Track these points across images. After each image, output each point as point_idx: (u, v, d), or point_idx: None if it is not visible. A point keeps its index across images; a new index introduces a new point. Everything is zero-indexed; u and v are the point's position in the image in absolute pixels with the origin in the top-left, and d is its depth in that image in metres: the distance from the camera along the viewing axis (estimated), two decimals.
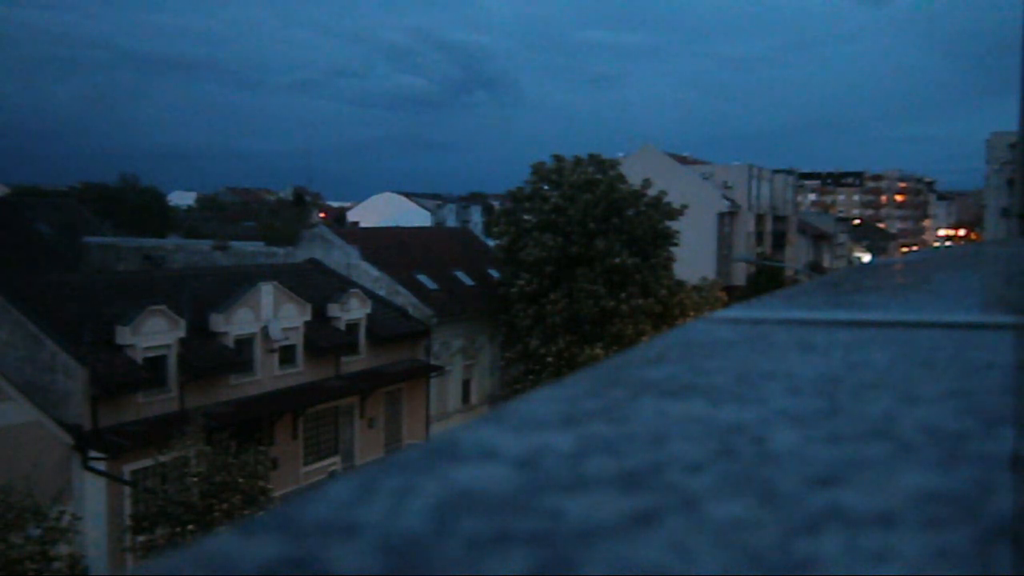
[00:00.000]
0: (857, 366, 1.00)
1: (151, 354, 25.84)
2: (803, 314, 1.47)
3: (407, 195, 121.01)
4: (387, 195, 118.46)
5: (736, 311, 1.48)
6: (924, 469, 0.63)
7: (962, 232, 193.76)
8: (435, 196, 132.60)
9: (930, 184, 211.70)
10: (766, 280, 70.47)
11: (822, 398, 0.85)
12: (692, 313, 50.32)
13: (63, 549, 18.25)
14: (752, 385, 0.90)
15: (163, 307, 26.35)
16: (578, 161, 42.26)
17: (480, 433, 0.72)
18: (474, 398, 41.43)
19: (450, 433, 0.75)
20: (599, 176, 41.05)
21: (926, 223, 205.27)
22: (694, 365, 1.02)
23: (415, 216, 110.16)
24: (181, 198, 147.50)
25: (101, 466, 23.34)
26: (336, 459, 33.76)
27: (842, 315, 1.47)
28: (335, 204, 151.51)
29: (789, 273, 79.81)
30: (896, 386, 0.90)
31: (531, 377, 39.85)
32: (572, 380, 0.94)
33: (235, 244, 43.60)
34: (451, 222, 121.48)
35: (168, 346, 26.36)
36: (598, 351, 38.94)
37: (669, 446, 0.69)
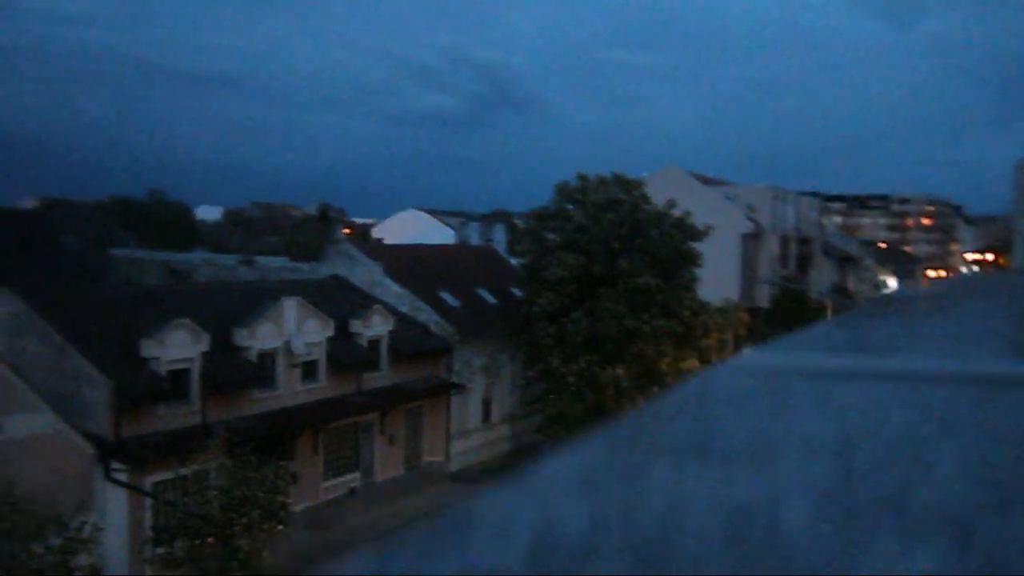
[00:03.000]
0: (874, 428, 1.00)
1: (175, 367, 26.02)
2: (822, 362, 1.47)
3: (431, 212, 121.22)
4: (411, 212, 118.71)
5: (755, 357, 1.48)
6: (936, 553, 0.61)
7: (990, 256, 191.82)
8: (459, 213, 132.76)
9: (958, 208, 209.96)
10: (790, 302, 70.02)
11: (837, 466, 0.85)
12: (715, 335, 50.12)
13: (83, 560, 18.36)
14: (767, 448, 0.91)
15: (188, 321, 26.54)
16: (602, 181, 42.26)
17: (496, 502, 0.71)
18: (495, 416, 41.39)
19: (465, 506, 0.75)
20: (623, 196, 41.03)
21: (953, 247, 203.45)
22: (711, 424, 1.02)
23: (439, 233, 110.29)
24: (208, 212, 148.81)
25: (123, 477, 23.49)
26: (356, 475, 33.80)
27: (863, 364, 1.47)
28: (360, 220, 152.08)
29: (814, 296, 79.29)
30: (913, 453, 0.90)
31: (552, 396, 39.78)
32: (591, 439, 0.95)
33: (260, 259, 43.95)
34: (474, 239, 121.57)
35: (192, 359, 26.53)
36: (619, 371, 38.85)
37: (682, 521, 0.68)
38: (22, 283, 29.02)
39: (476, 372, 39.69)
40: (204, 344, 26.88)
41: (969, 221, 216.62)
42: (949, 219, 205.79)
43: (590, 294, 39.58)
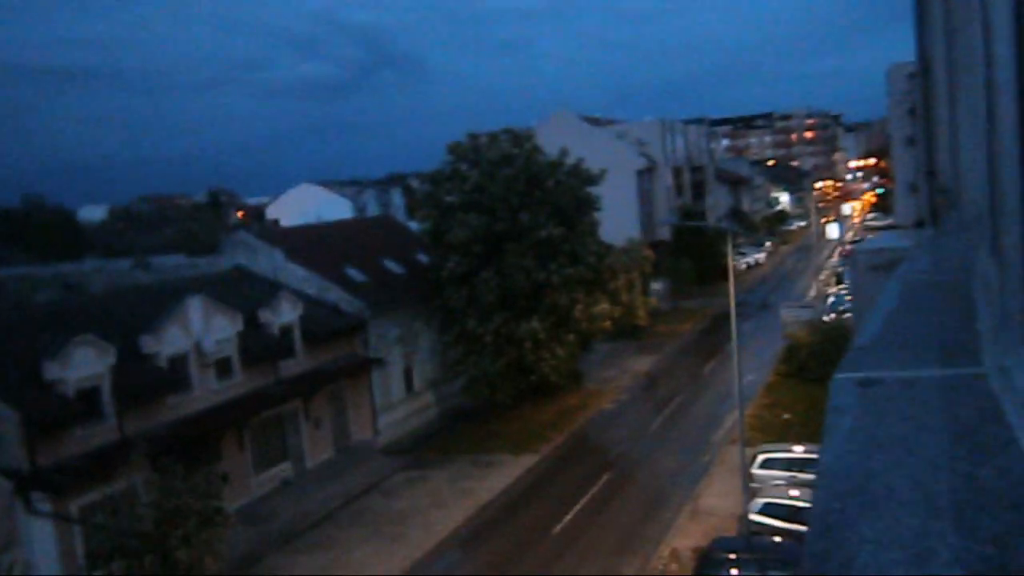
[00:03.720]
0: None
1: (83, 385, 25.19)
2: None
3: (325, 184, 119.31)
4: (304, 187, 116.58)
5: None
6: None
7: (872, 161, 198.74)
8: (353, 182, 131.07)
9: (837, 118, 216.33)
10: (690, 233, 71.51)
11: None
12: (623, 275, 50.97)
13: None
14: None
15: (90, 336, 25.68)
16: (493, 137, 42.19)
17: None
18: (417, 385, 41.40)
19: None
20: (516, 150, 41.07)
21: (837, 156, 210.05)
22: None
23: (335, 205, 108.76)
24: (92, 212, 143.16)
25: (46, 507, 22.77)
26: (287, 464, 33.52)
27: None
28: (253, 201, 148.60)
29: (712, 222, 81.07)
30: None
31: (472, 357, 40.00)
32: None
33: (156, 260, 42.64)
34: (372, 206, 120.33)
35: (100, 375, 25.72)
36: (535, 324, 39.24)
37: None
38: None
39: (393, 344, 39.56)
40: (111, 357, 26.07)
41: (849, 129, 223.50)
42: (830, 129, 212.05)
43: (496, 252, 39.71)
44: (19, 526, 22.19)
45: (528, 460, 34.85)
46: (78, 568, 22.63)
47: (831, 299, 58.18)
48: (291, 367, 33.89)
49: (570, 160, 42.58)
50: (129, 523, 20.69)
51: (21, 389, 23.67)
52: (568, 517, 28.87)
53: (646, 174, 75.97)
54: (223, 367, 30.67)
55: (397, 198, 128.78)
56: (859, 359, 2.73)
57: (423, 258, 43.69)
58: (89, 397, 25.30)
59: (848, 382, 2.48)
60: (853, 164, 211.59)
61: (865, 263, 7.13)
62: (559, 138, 49.18)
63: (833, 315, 42.51)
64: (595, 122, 79.05)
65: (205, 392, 29.79)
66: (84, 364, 25.28)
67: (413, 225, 49.02)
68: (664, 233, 74.01)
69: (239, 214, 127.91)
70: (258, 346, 32.15)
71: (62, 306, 31.86)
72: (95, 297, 33.95)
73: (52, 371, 24.55)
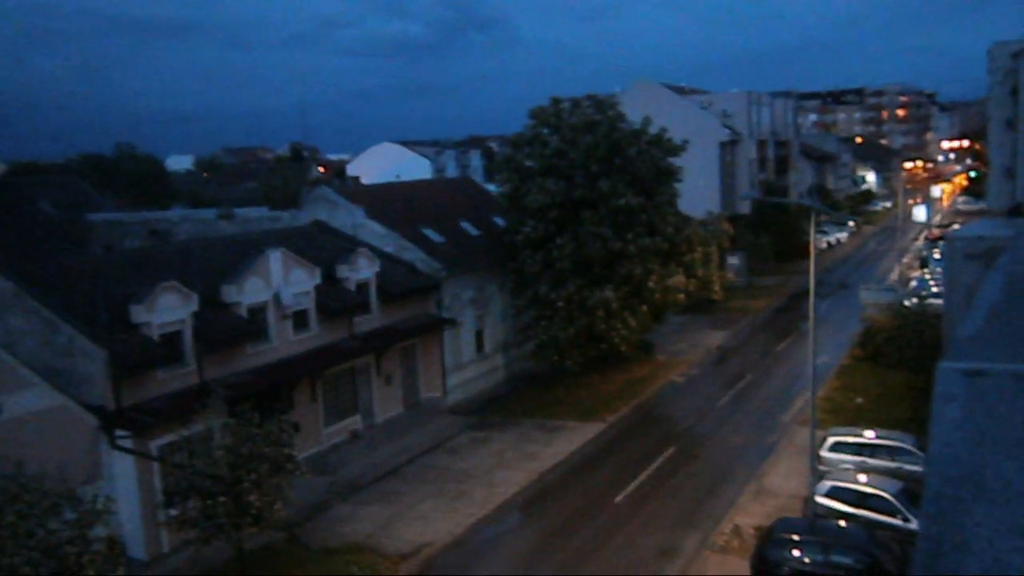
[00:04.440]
0: None
1: (167, 330, 26.01)
2: None
3: (405, 144, 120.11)
4: (385, 145, 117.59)
5: None
6: None
7: (966, 143, 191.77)
8: (434, 143, 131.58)
9: (931, 96, 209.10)
10: (771, 208, 70.19)
11: None
12: (700, 248, 50.34)
13: (100, 531, 18.61)
14: None
15: (175, 283, 26.44)
16: (576, 103, 41.84)
17: None
18: (487, 347, 41.71)
19: None
20: (598, 117, 40.68)
21: (928, 136, 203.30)
22: None
23: (415, 164, 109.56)
24: (178, 162, 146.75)
25: (128, 444, 23.66)
26: (356, 418, 34.18)
27: None
28: (334, 157, 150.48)
29: (795, 198, 79.36)
30: None
31: (543, 322, 40.08)
32: None
33: (239, 211, 43.57)
34: (451, 168, 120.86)
35: (183, 321, 26.51)
36: (608, 293, 39.10)
37: None
38: (3, 257, 28.81)
39: (466, 305, 39.86)
40: (193, 304, 26.84)
41: (944, 108, 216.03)
42: (924, 108, 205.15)
43: (573, 218, 39.56)
44: (103, 460, 23.13)
45: (594, 428, 34.92)
46: (155, 504, 23.50)
47: (914, 283, 56.62)
48: (365, 323, 34.43)
49: (653, 129, 42.02)
50: (204, 465, 21.30)
51: (109, 330, 24.52)
52: (631, 487, 28.91)
53: (729, 147, 74.63)
54: (300, 319, 31.31)
55: (476, 160, 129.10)
56: (964, 349, 2.68)
57: (500, 221, 43.77)
58: (172, 341, 26.11)
59: (954, 372, 2.44)
60: (945, 145, 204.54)
61: (961, 250, 6.95)
62: (642, 106, 48.62)
63: (915, 300, 41.31)
64: (680, 91, 77.79)
65: (282, 343, 30.48)
66: (168, 309, 26.07)
67: (491, 188, 49.07)
68: (744, 207, 72.77)
69: (320, 169, 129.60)
70: (334, 300, 32.71)
71: (149, 252, 32.87)
72: (180, 245, 34.91)
73: (138, 315, 25.38)
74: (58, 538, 17.39)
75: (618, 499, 28.03)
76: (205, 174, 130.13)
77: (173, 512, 22.34)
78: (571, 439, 33.73)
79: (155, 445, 24.58)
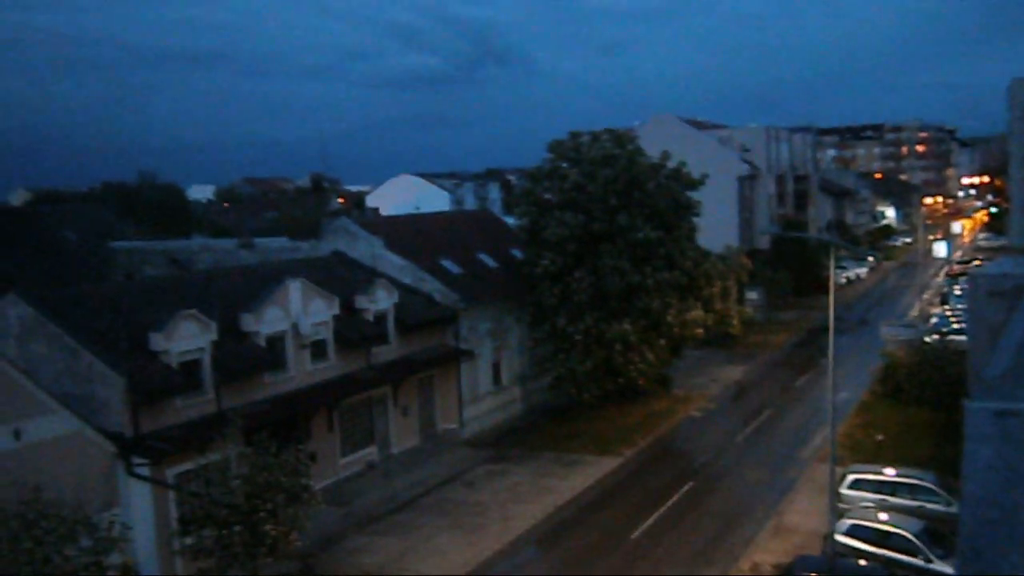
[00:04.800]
0: None
1: (186, 358, 26.12)
2: None
3: (424, 176, 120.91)
4: (405, 177, 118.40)
5: None
6: None
7: (987, 179, 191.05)
8: (452, 175, 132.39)
9: (952, 132, 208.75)
10: (790, 243, 70.03)
11: None
12: (718, 282, 50.22)
13: (115, 558, 18.61)
14: None
15: (194, 311, 26.59)
16: (595, 136, 42.03)
17: None
18: (505, 379, 41.63)
19: None
20: (617, 151, 40.83)
21: (949, 172, 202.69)
22: None
23: (433, 196, 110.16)
24: (199, 191, 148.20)
25: (145, 471, 23.70)
26: (373, 449, 34.12)
27: None
28: (353, 188, 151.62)
29: (814, 233, 79.20)
30: None
31: (560, 355, 39.99)
32: None
33: (259, 241, 43.89)
34: (469, 200, 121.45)
35: (202, 349, 26.62)
36: (626, 326, 39.01)
37: None
38: (26, 284, 29.10)
39: (483, 337, 39.86)
40: (212, 333, 26.96)
41: (964, 144, 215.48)
42: (944, 144, 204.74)
43: (591, 251, 39.60)
44: (120, 487, 23.15)
45: (611, 462, 34.69)
46: (171, 532, 23.48)
47: (935, 319, 56.18)
48: (383, 353, 34.47)
49: (672, 163, 42.13)
50: (221, 494, 21.30)
51: (128, 358, 24.66)
52: (648, 523, 28.65)
53: (748, 181, 74.69)
54: (318, 349, 31.39)
55: (494, 192, 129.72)
56: (993, 388, 2.65)
57: (518, 253, 43.87)
58: (190, 370, 26.21)
59: (985, 411, 2.42)
60: (966, 181, 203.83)
61: (985, 288, 6.90)
62: (660, 140, 48.75)
63: (936, 336, 40.95)
64: (698, 125, 78.06)
65: (300, 372, 30.55)
66: (188, 338, 26.19)
67: (510, 220, 49.24)
68: (763, 242, 72.66)
69: (340, 200, 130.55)
70: (353, 331, 32.79)
71: (169, 281, 33.12)
72: (200, 274, 35.13)
73: (158, 342, 25.51)
74: (74, 565, 17.42)
75: (635, 535, 27.77)
76: (225, 203, 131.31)
77: (188, 541, 22.31)
78: (588, 473, 33.52)
79: (172, 473, 24.59)
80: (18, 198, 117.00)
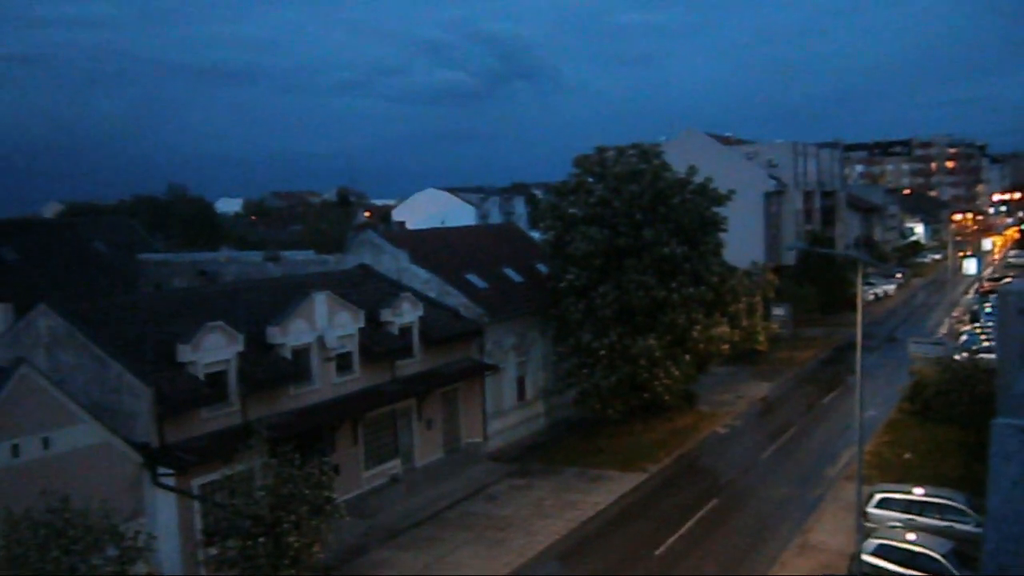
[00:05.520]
0: None
1: (212, 369, 26.31)
2: None
3: (450, 190, 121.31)
4: (431, 191, 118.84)
5: None
6: None
7: (1017, 195, 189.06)
8: (478, 189, 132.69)
9: (982, 148, 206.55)
10: (816, 259, 69.55)
11: None
12: (744, 298, 49.96)
13: (140, 568, 18.71)
14: None
15: (221, 323, 26.79)
16: (621, 151, 42.02)
17: None
18: (529, 393, 41.58)
19: None
20: (643, 166, 40.80)
21: (979, 188, 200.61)
22: None
23: (459, 210, 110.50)
24: (228, 205, 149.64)
25: (171, 482, 23.86)
26: (396, 462, 34.13)
27: None
28: (380, 203, 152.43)
29: (841, 249, 78.59)
30: None
31: (584, 371, 39.88)
32: None
33: (286, 254, 44.21)
34: (494, 214, 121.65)
35: (228, 361, 26.80)
36: (651, 341, 38.86)
37: None
38: (57, 295, 29.48)
39: (508, 351, 39.85)
40: (239, 345, 27.14)
41: (995, 160, 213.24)
42: (974, 160, 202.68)
43: (617, 266, 39.52)
44: (145, 497, 23.32)
45: (635, 478, 34.51)
46: (195, 543, 23.59)
47: (965, 337, 55.52)
48: (408, 367, 34.54)
49: (698, 178, 42.01)
50: (245, 505, 21.38)
51: (156, 368, 24.88)
52: (672, 539, 28.44)
53: (775, 197, 74.33)
54: (343, 362, 31.50)
55: (520, 207, 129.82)
56: (1021, 406, 2.62)
57: (543, 268, 43.87)
58: (217, 381, 26.39)
59: (1012, 428, 2.39)
60: (996, 197, 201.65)
61: (1015, 305, 6.82)
62: (687, 155, 48.65)
63: (966, 354, 40.46)
64: (725, 141, 77.87)
65: (324, 385, 30.66)
66: (214, 349, 26.39)
67: (535, 235, 49.29)
68: (789, 258, 72.20)
69: (366, 214, 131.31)
70: (377, 344, 32.89)
71: (197, 292, 33.38)
72: (227, 286, 35.42)
73: (185, 354, 25.73)
74: (100, 574, 17.52)
75: (659, 551, 27.58)
76: (253, 217, 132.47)
77: (212, 551, 22.39)
78: (612, 489, 33.35)
79: (197, 483, 24.74)
80: (51, 210, 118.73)
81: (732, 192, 42.78)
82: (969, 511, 26.49)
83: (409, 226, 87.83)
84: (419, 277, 38.41)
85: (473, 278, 40.40)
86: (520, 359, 40.86)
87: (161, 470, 23.74)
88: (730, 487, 33.83)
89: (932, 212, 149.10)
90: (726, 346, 44.33)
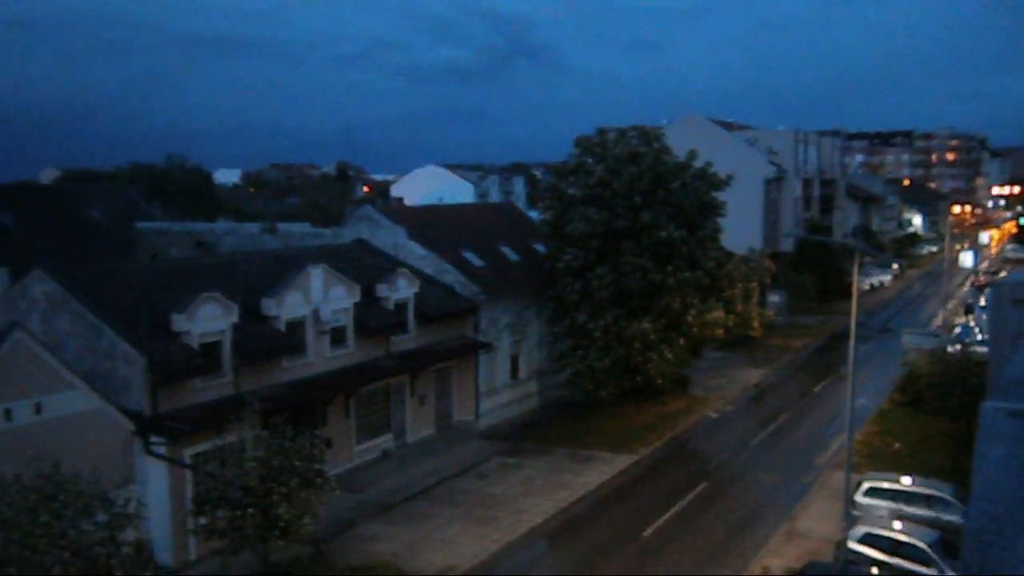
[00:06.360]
0: None
1: (206, 340, 26.32)
2: None
3: (450, 167, 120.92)
4: (430, 168, 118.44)
5: None
6: None
7: (1017, 189, 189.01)
8: (477, 167, 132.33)
9: (982, 141, 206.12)
10: (814, 247, 69.55)
11: None
12: (741, 284, 49.97)
13: (130, 534, 18.78)
14: None
15: (216, 294, 26.78)
16: (622, 133, 41.87)
17: None
18: (522, 373, 41.64)
19: None
20: (644, 148, 40.67)
21: (978, 181, 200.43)
22: None
23: (458, 188, 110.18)
24: (226, 175, 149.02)
25: (162, 450, 23.93)
26: (388, 437, 34.24)
27: None
28: (379, 178, 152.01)
29: (838, 238, 78.58)
30: None
31: (579, 352, 39.93)
32: None
33: (283, 226, 44.06)
34: (494, 193, 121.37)
35: (222, 331, 26.82)
36: (646, 325, 38.88)
37: None
38: (52, 261, 29.39)
39: (502, 330, 39.87)
40: (234, 316, 27.15)
41: (995, 153, 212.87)
42: (974, 152, 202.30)
43: (614, 248, 39.49)
44: (136, 465, 23.39)
45: (625, 460, 34.64)
46: (185, 512, 23.67)
47: (958, 330, 55.64)
48: (402, 342, 34.58)
49: (698, 163, 41.90)
50: (236, 475, 21.44)
51: (150, 337, 24.88)
52: (660, 521, 28.60)
53: (774, 183, 74.19)
54: (337, 336, 31.52)
55: (519, 186, 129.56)
56: (1010, 391, 2.63)
57: (540, 248, 43.83)
58: (210, 351, 26.41)
59: (1000, 412, 2.40)
60: (996, 191, 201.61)
61: (1008, 295, 6.83)
62: (688, 139, 48.44)
63: (959, 347, 40.55)
64: (726, 126, 77.60)
65: (318, 358, 30.70)
66: (209, 320, 26.40)
67: (533, 214, 49.18)
68: (787, 245, 72.18)
69: (365, 189, 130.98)
70: (372, 319, 32.90)
71: (193, 263, 33.34)
72: (224, 257, 35.36)
73: (179, 323, 25.73)
74: (89, 539, 17.59)
75: (646, 533, 27.73)
76: (251, 188, 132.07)
77: (202, 520, 22.48)
78: (602, 470, 33.49)
79: (188, 453, 24.81)
80: (48, 176, 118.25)
81: (731, 177, 42.67)
82: (956, 502, 26.63)
83: (408, 202, 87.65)
84: (416, 253, 38.37)
85: (470, 256, 40.36)
86: (514, 338, 40.90)
87: (153, 438, 23.80)
88: (720, 471, 33.98)
89: (931, 204, 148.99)
90: (720, 331, 44.42)
